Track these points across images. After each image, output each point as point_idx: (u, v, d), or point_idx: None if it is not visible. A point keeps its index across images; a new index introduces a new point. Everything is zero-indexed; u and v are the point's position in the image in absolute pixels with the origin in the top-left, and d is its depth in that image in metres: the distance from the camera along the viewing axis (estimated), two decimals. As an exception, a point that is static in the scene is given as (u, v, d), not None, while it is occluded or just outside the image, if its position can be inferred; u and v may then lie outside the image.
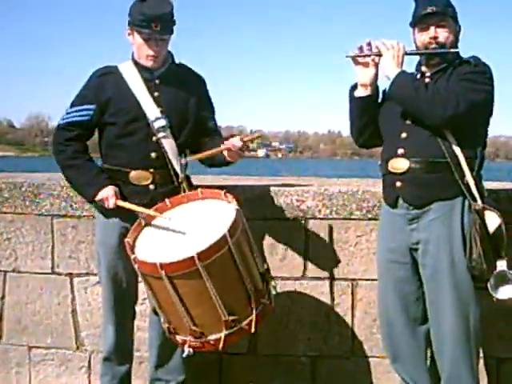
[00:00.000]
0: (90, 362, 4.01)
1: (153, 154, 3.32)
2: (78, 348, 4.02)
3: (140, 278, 3.16)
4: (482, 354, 3.48)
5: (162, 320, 3.13)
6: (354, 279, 3.80)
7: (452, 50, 3.13)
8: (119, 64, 3.42)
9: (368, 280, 3.76)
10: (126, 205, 3.25)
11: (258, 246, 3.18)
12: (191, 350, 2.99)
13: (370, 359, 3.81)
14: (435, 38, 3.11)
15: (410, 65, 3.25)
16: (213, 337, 2.95)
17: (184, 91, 3.40)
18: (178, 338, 3.05)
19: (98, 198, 3.28)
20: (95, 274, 3.80)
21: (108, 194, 3.27)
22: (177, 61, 3.48)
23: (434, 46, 3.12)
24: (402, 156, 3.11)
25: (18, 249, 4.01)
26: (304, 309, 3.83)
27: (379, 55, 3.18)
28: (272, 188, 3.83)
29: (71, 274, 3.99)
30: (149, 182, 3.33)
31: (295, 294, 3.82)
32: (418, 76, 3.19)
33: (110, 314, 3.46)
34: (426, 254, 3.10)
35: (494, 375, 3.72)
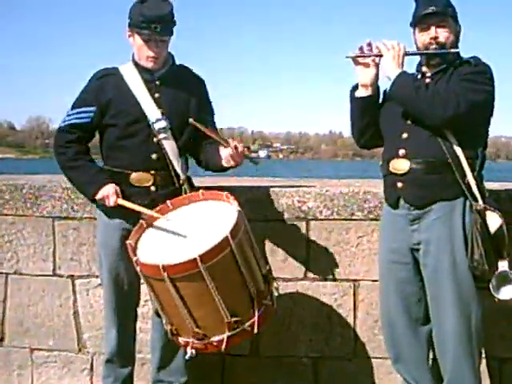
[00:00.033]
0: (92, 364, 4.01)
1: (154, 156, 3.32)
2: (80, 350, 4.02)
3: (142, 280, 3.16)
4: (484, 354, 3.49)
5: (164, 322, 3.13)
6: (355, 280, 3.79)
7: (452, 51, 3.13)
8: (119, 65, 3.43)
9: (370, 281, 3.75)
10: (127, 204, 3.25)
11: (259, 248, 3.18)
12: (194, 351, 2.99)
13: (372, 360, 3.81)
14: (436, 38, 3.11)
15: (411, 65, 3.26)
16: (215, 338, 2.95)
17: (184, 92, 3.40)
18: (181, 339, 3.05)
19: (99, 196, 3.28)
20: (97, 276, 3.81)
21: (108, 192, 3.26)
22: (177, 62, 3.48)
23: (434, 46, 3.12)
24: (403, 157, 3.11)
25: (20, 251, 4.02)
26: (306, 310, 3.83)
27: (380, 56, 3.18)
28: (273, 189, 3.83)
29: (73, 276, 3.99)
30: (150, 183, 3.33)
31: (297, 296, 3.82)
32: (419, 76, 3.19)
33: (112, 316, 3.46)
34: (427, 254, 3.10)
35: (496, 375, 3.71)
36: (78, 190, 3.46)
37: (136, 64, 3.38)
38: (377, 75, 3.24)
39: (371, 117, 3.28)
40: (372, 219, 3.72)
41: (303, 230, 3.79)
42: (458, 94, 2.97)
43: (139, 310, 3.62)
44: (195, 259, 2.78)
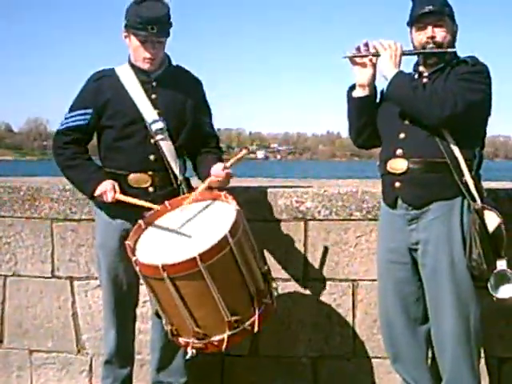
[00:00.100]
0: (91, 365, 4.01)
1: (151, 157, 3.33)
2: (79, 351, 4.02)
3: (141, 281, 3.16)
4: (482, 354, 3.48)
5: (164, 322, 3.13)
6: (354, 280, 3.80)
7: (449, 50, 3.13)
8: (116, 67, 3.43)
9: (368, 281, 3.75)
10: (126, 198, 3.25)
11: (257, 248, 3.18)
12: (194, 351, 2.99)
13: (372, 360, 3.81)
14: (433, 37, 3.11)
15: (408, 65, 3.26)
16: (216, 338, 2.95)
17: (181, 93, 3.40)
18: (181, 339, 3.05)
19: (98, 192, 3.28)
20: (95, 278, 3.81)
21: (106, 188, 3.26)
22: (174, 63, 3.48)
23: (431, 45, 3.12)
24: (401, 156, 3.11)
25: (18, 253, 4.02)
26: (305, 310, 3.83)
27: (377, 55, 3.18)
28: (271, 189, 3.83)
29: (71, 277, 3.99)
30: (148, 184, 3.33)
31: (296, 296, 3.82)
32: (416, 76, 3.19)
33: (110, 317, 3.46)
34: (425, 254, 3.10)
35: (496, 375, 3.71)
36: (77, 188, 3.46)
37: (132, 65, 3.38)
38: (374, 75, 3.24)
39: (368, 117, 3.28)
40: (370, 219, 3.72)
41: (301, 231, 3.79)
42: (456, 94, 2.98)
43: (138, 311, 3.62)
44: (195, 258, 2.78)
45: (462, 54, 3.18)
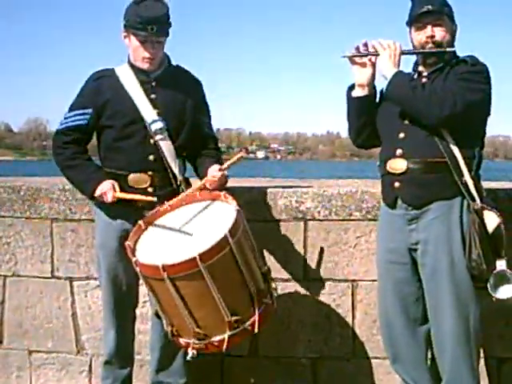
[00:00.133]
0: (90, 365, 4.01)
1: (151, 157, 3.33)
2: (78, 352, 4.02)
3: (141, 281, 3.16)
4: (482, 354, 3.48)
5: (164, 323, 3.13)
6: (354, 280, 3.80)
7: (449, 50, 3.13)
8: (116, 67, 3.43)
9: (368, 281, 3.75)
10: (125, 195, 3.25)
11: (257, 248, 3.18)
12: (195, 352, 2.99)
13: (371, 360, 3.81)
14: (432, 36, 3.11)
15: (407, 64, 3.26)
16: (216, 338, 2.95)
17: (181, 93, 3.40)
18: (182, 340, 3.05)
19: (98, 193, 3.28)
20: (95, 278, 3.80)
21: (106, 188, 3.27)
22: (174, 63, 3.48)
23: (430, 45, 3.12)
24: (401, 156, 3.11)
25: (18, 253, 4.01)
26: (304, 310, 3.83)
27: (376, 55, 3.18)
28: (271, 190, 3.83)
29: (71, 277, 3.99)
30: (147, 184, 3.32)
31: (296, 296, 3.82)
32: (415, 76, 3.19)
33: (110, 317, 3.46)
34: (425, 254, 3.10)
35: (495, 375, 3.71)
36: (77, 188, 3.46)
37: (132, 65, 3.38)
38: (373, 75, 3.24)
39: (368, 116, 3.28)
40: (370, 219, 3.72)
41: (301, 231, 3.79)
42: (455, 94, 2.97)
43: (138, 311, 3.62)
44: (195, 258, 2.78)
45: (461, 53, 3.18)
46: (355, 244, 3.77)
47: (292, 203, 3.79)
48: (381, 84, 3.23)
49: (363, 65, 3.22)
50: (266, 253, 3.77)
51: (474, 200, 3.03)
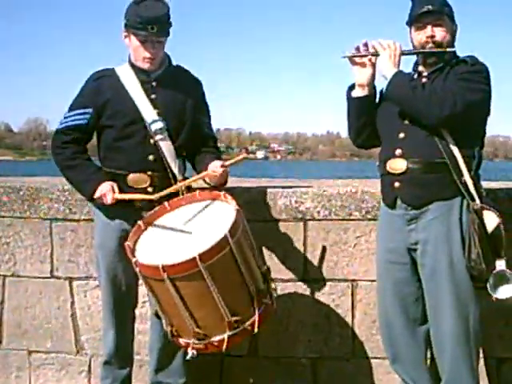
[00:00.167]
0: (90, 365, 4.01)
1: (150, 157, 3.32)
2: (78, 352, 4.02)
3: (141, 281, 3.15)
4: (482, 354, 3.48)
5: (164, 323, 3.13)
6: (353, 280, 3.79)
7: (449, 50, 3.13)
8: (116, 67, 3.43)
9: (368, 281, 3.75)
10: (125, 196, 3.25)
11: (257, 248, 3.18)
12: (195, 352, 2.99)
13: (371, 360, 3.81)
14: (432, 36, 3.11)
15: (407, 65, 3.26)
16: (216, 338, 2.95)
17: (181, 93, 3.40)
18: (181, 340, 3.05)
19: (97, 194, 3.28)
20: (95, 278, 3.80)
21: (105, 190, 3.26)
22: (174, 63, 3.48)
23: (430, 45, 3.12)
24: (400, 156, 3.10)
25: (17, 253, 4.01)
26: (304, 310, 3.83)
27: (376, 55, 3.18)
28: (271, 190, 3.82)
29: (70, 277, 3.98)
30: (147, 184, 3.32)
31: (295, 296, 3.82)
32: (415, 76, 3.19)
33: (110, 318, 3.46)
34: (424, 254, 3.10)
35: (495, 375, 3.71)
36: (76, 189, 3.46)
37: (132, 65, 3.38)
38: (373, 75, 3.24)
39: (368, 116, 3.28)
40: (370, 219, 3.72)
41: (301, 231, 3.79)
42: (455, 94, 2.97)
43: (137, 311, 3.61)
44: (195, 258, 2.78)
45: (461, 53, 3.18)
46: (355, 244, 3.77)
47: (292, 203, 3.78)
48: (381, 84, 3.23)
49: (363, 65, 3.22)
50: (265, 253, 3.77)
51: (473, 200, 3.02)
